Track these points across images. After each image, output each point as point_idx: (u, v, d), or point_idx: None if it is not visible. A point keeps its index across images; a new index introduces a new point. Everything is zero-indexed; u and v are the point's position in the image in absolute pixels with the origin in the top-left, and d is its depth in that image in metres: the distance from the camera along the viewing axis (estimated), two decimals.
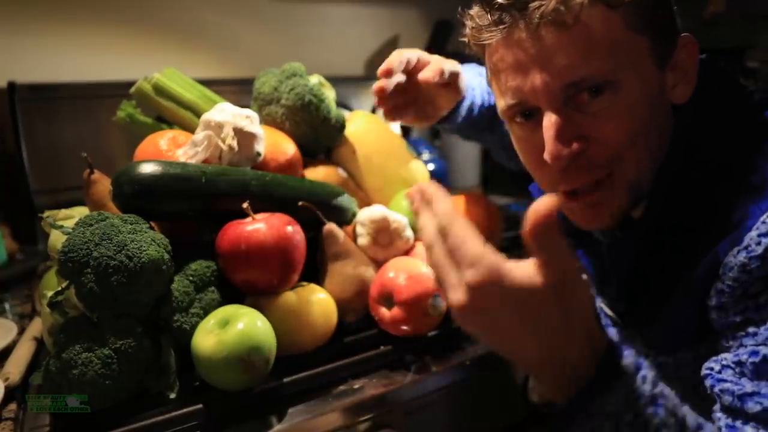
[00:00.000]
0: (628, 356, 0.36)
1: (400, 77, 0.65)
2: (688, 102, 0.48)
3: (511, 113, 0.50)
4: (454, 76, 0.66)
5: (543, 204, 0.32)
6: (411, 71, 0.66)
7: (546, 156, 0.47)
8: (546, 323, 0.34)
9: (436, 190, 0.36)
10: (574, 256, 0.39)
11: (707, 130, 0.48)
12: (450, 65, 0.65)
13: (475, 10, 0.49)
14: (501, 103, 0.50)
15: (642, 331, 0.55)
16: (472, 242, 0.33)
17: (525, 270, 0.33)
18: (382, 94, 0.63)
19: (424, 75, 0.63)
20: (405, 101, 0.69)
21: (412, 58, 0.65)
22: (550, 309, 0.33)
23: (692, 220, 0.48)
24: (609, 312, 0.60)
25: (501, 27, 0.46)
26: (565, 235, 0.60)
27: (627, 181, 0.48)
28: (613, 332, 0.61)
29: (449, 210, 0.35)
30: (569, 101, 0.46)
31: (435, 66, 0.63)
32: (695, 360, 0.49)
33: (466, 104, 0.71)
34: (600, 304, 0.62)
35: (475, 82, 0.74)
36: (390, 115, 0.69)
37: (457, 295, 0.34)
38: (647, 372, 0.36)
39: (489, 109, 0.76)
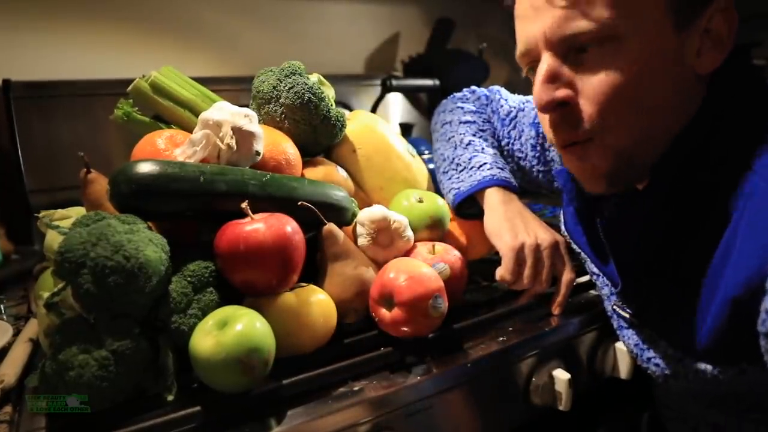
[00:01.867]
0: None
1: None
2: (724, 75, 0.45)
3: (523, 63, 0.51)
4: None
5: None
6: None
7: (533, 99, 0.48)
8: None
9: None
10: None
11: (745, 105, 0.46)
12: None
13: None
14: (516, 53, 0.51)
15: (663, 334, 0.53)
16: None
17: None
18: None
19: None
20: None
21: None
22: None
23: (711, 205, 0.46)
24: (623, 313, 0.59)
25: None
26: (579, 223, 0.57)
27: (610, 147, 0.47)
28: (628, 334, 0.60)
29: None
30: (569, 54, 0.46)
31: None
32: (740, 375, 0.48)
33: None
34: (613, 305, 0.61)
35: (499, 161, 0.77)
36: None
37: None
38: None
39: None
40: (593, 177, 0.51)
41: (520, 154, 0.79)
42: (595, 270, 0.64)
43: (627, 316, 0.58)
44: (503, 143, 0.81)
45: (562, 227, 0.69)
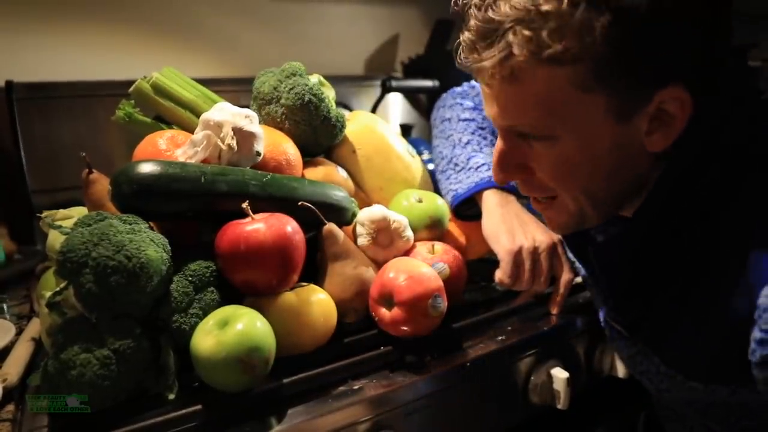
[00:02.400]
0: None
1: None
2: (712, 107, 0.45)
3: None
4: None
5: None
6: None
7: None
8: None
9: None
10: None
11: (735, 134, 0.46)
12: None
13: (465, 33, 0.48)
14: None
15: (654, 349, 0.54)
16: None
17: None
18: None
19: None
20: None
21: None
22: None
23: (702, 235, 0.46)
24: (616, 326, 0.59)
25: (473, 56, 0.46)
26: (571, 244, 0.60)
27: (566, 208, 0.51)
28: (621, 346, 0.60)
29: None
30: (518, 137, 0.48)
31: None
32: (731, 394, 0.48)
33: None
34: (606, 317, 0.61)
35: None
36: None
37: None
38: None
39: None
40: (553, 224, 0.56)
41: None
42: (589, 280, 0.64)
43: (620, 329, 0.59)
44: None
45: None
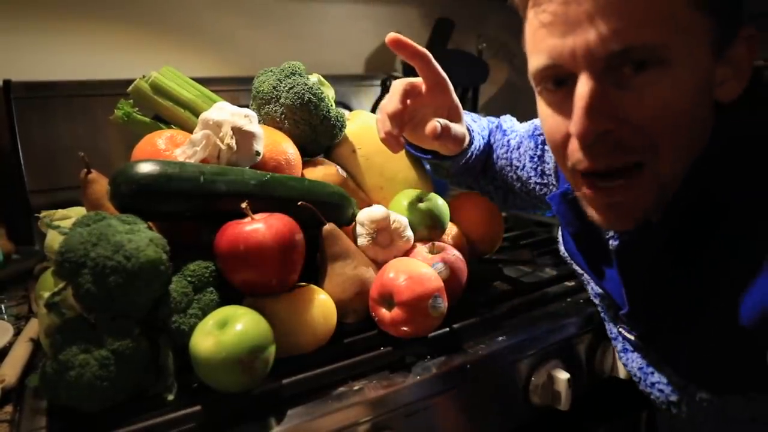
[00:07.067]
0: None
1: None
2: (738, 101, 0.43)
3: (541, 77, 0.45)
4: (446, 130, 0.63)
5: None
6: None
7: (572, 128, 0.41)
8: None
9: None
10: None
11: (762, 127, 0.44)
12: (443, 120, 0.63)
13: None
14: (532, 64, 0.45)
15: (669, 360, 0.52)
16: None
17: None
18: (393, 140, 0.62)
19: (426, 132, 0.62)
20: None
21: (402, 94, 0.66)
22: None
23: (727, 234, 0.44)
24: (628, 335, 0.57)
25: None
26: (578, 248, 0.59)
27: (658, 177, 0.43)
28: (632, 357, 0.59)
29: None
30: (610, 73, 0.40)
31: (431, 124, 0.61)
32: (746, 404, 0.46)
33: (471, 150, 0.73)
34: (618, 328, 0.59)
35: (473, 126, 0.75)
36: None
37: None
38: None
39: (482, 152, 0.77)
40: (627, 213, 0.46)
41: (518, 163, 0.76)
42: (599, 291, 0.61)
43: (632, 338, 0.56)
44: (500, 151, 0.78)
45: (561, 248, 0.66)
